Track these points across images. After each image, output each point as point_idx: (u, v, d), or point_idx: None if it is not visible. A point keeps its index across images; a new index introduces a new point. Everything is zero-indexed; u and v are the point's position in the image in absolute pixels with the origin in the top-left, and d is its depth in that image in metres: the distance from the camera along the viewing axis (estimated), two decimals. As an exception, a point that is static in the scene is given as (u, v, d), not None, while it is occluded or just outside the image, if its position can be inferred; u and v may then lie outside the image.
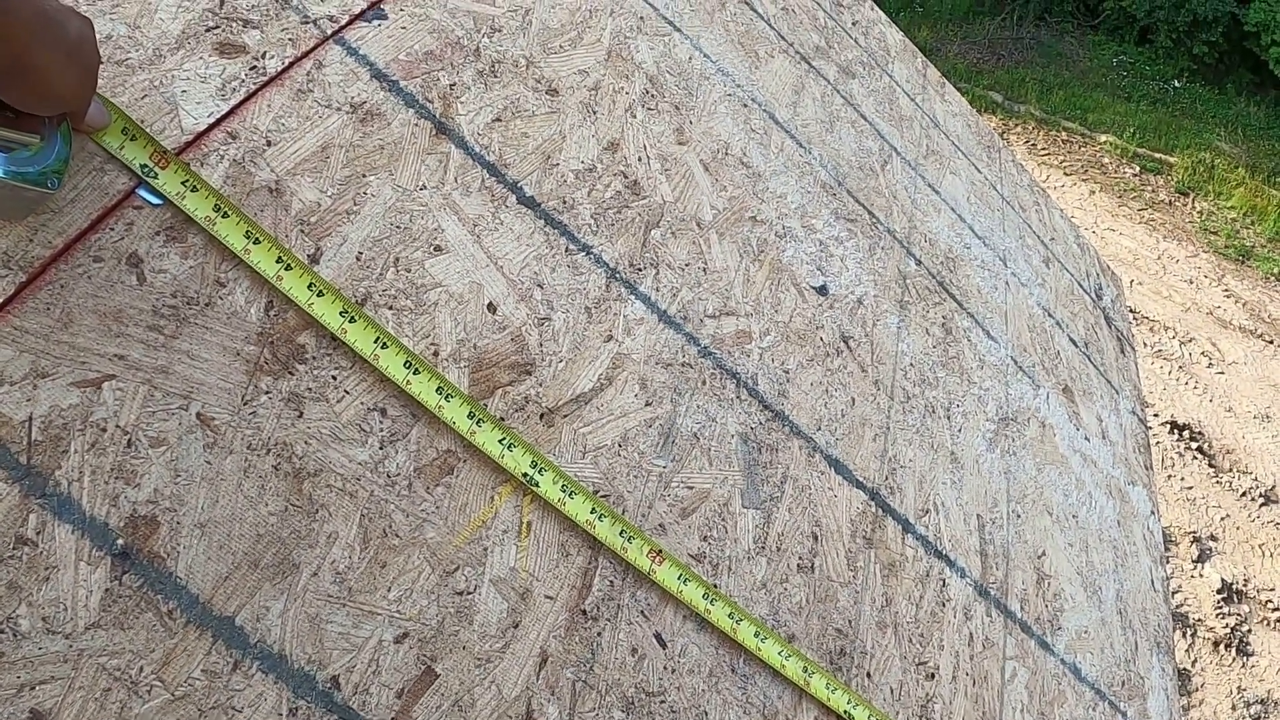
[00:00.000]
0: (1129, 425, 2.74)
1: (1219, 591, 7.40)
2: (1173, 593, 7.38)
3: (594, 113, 1.67)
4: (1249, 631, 7.23)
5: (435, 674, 1.10)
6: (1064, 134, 13.48)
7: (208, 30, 1.32)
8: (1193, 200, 12.73)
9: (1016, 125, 13.53)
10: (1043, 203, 3.08)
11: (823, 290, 1.85)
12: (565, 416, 1.34)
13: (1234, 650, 7.08)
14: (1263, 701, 6.78)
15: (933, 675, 1.63)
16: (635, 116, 1.73)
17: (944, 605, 1.71)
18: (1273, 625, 7.34)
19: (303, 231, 1.25)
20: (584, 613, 1.23)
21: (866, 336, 1.89)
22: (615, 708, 1.22)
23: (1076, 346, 2.71)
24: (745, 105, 1.99)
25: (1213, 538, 7.92)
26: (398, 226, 1.33)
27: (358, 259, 1.28)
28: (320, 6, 1.45)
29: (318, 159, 1.32)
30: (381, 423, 1.19)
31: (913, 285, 2.14)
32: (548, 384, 1.35)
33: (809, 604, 1.49)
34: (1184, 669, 6.84)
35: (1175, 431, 8.73)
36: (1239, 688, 6.81)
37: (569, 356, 1.39)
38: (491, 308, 1.36)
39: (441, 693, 1.10)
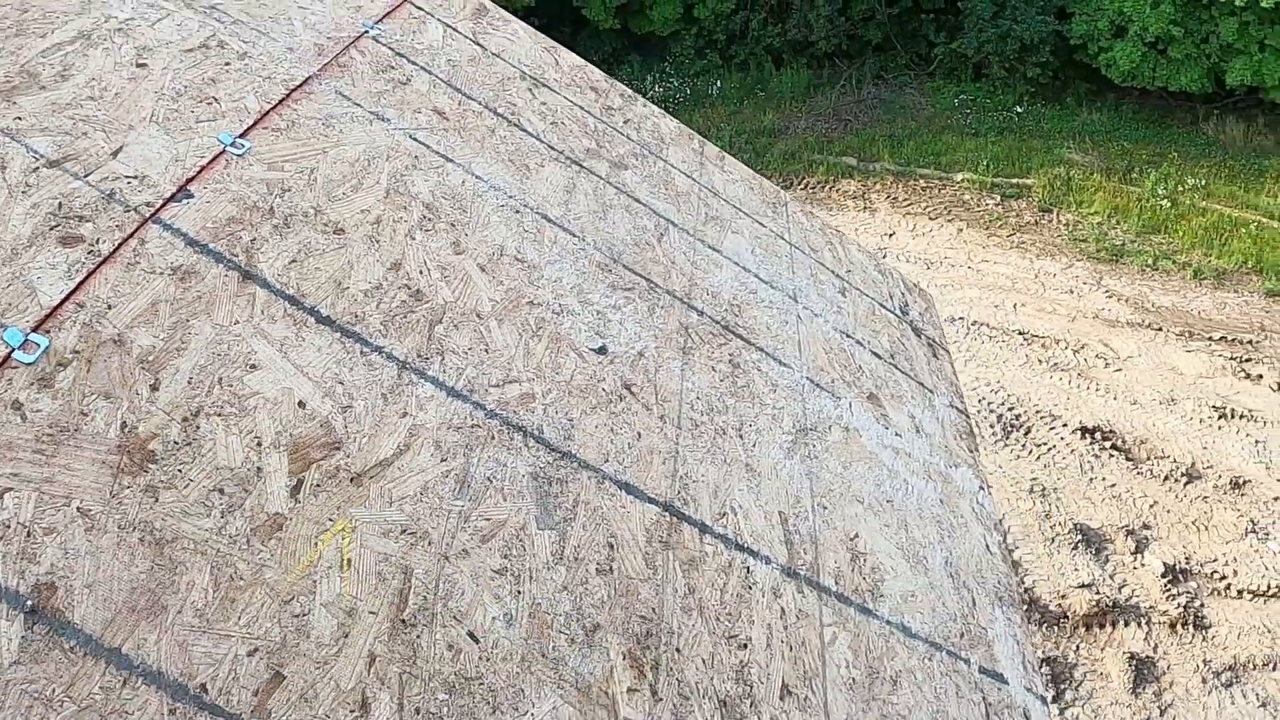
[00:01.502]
0: (947, 417, 3.24)
1: (1164, 576, 7.89)
2: (1119, 587, 7.85)
3: (377, 241, 2.17)
4: (1201, 606, 7.71)
5: (283, 676, 1.55)
6: (921, 181, 14.42)
7: (51, 229, 1.80)
8: (1057, 215, 13.64)
9: (875, 183, 14.45)
10: (836, 242, 3.62)
11: (602, 350, 2.34)
12: (372, 477, 1.81)
13: (1191, 627, 7.55)
14: (1230, 668, 7.21)
15: (745, 645, 2.08)
16: (414, 238, 2.23)
17: (750, 588, 2.17)
18: (1223, 594, 7.84)
19: (144, 369, 1.72)
20: (404, 621, 1.69)
21: (649, 381, 2.38)
22: (439, 691, 1.66)
23: (881, 359, 3.22)
24: (518, 212, 2.50)
25: (1146, 526, 8.45)
26: (218, 355, 1.81)
27: (189, 383, 1.75)
28: (139, 195, 1.94)
29: (149, 313, 1.80)
30: (220, 499, 1.65)
31: (695, 333, 2.64)
32: (354, 455, 1.82)
33: (611, 598, 1.94)
34: (1146, 656, 7.28)
35: (1087, 436, 9.32)
36: (1204, 660, 7.27)
37: (371, 432, 1.86)
38: (301, 404, 1.83)
39: (289, 689, 1.54)
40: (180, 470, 1.65)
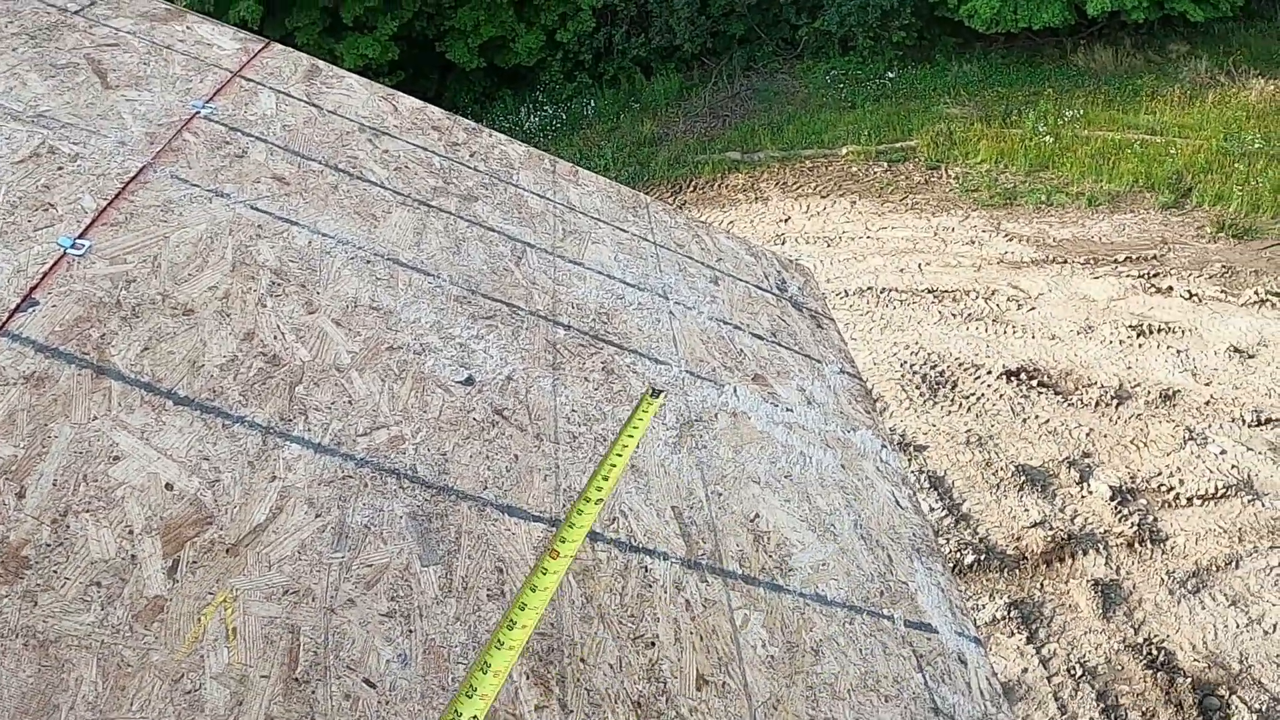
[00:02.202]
0: (839, 384, 3.32)
1: (1112, 499, 8.05)
2: (1071, 518, 7.99)
3: (227, 315, 2.21)
4: (1155, 521, 7.87)
5: None
6: (807, 162, 14.66)
7: (-115, 365, 1.82)
8: (945, 170, 13.90)
9: (762, 172, 14.68)
10: (703, 233, 3.69)
11: (469, 381, 2.39)
12: (248, 545, 1.84)
13: (1148, 543, 7.71)
14: (1194, 574, 7.36)
15: (653, 644, 2.13)
16: (265, 305, 2.27)
17: (650, 587, 2.22)
18: (1173, 505, 8.01)
19: (8, 479, 1.75)
20: (297, 680, 1.72)
21: (521, 403, 2.43)
22: (343, 739, 1.70)
23: (763, 339, 3.29)
24: (369, 262, 2.55)
25: (1086, 455, 8.61)
26: (80, 453, 1.83)
27: (54, 485, 1.77)
28: (-18, 313, 1.96)
29: (7, 424, 1.82)
30: (98, 592, 1.68)
31: (564, 348, 2.69)
32: (227, 526, 1.85)
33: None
34: (1112, 581, 7.42)
35: (1013, 379, 9.50)
36: (1167, 573, 7.42)
37: (241, 501, 1.89)
38: (169, 486, 1.86)
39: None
40: (56, 571, 1.67)
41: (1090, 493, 8.28)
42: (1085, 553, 7.66)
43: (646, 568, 2.25)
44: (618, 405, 2.62)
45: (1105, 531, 7.89)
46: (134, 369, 2.01)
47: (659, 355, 2.89)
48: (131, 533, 1.78)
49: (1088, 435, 8.82)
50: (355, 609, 1.86)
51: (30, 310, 2.02)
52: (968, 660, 2.54)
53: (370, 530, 1.98)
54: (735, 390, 2.95)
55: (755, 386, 3.03)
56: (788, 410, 3.00)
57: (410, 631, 1.88)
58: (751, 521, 2.55)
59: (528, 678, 1.92)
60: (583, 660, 2.01)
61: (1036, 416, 9.01)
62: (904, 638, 2.49)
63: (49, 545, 1.70)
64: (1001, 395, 9.34)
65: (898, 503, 2.93)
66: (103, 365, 1.99)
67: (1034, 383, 9.45)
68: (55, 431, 1.85)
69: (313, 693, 1.72)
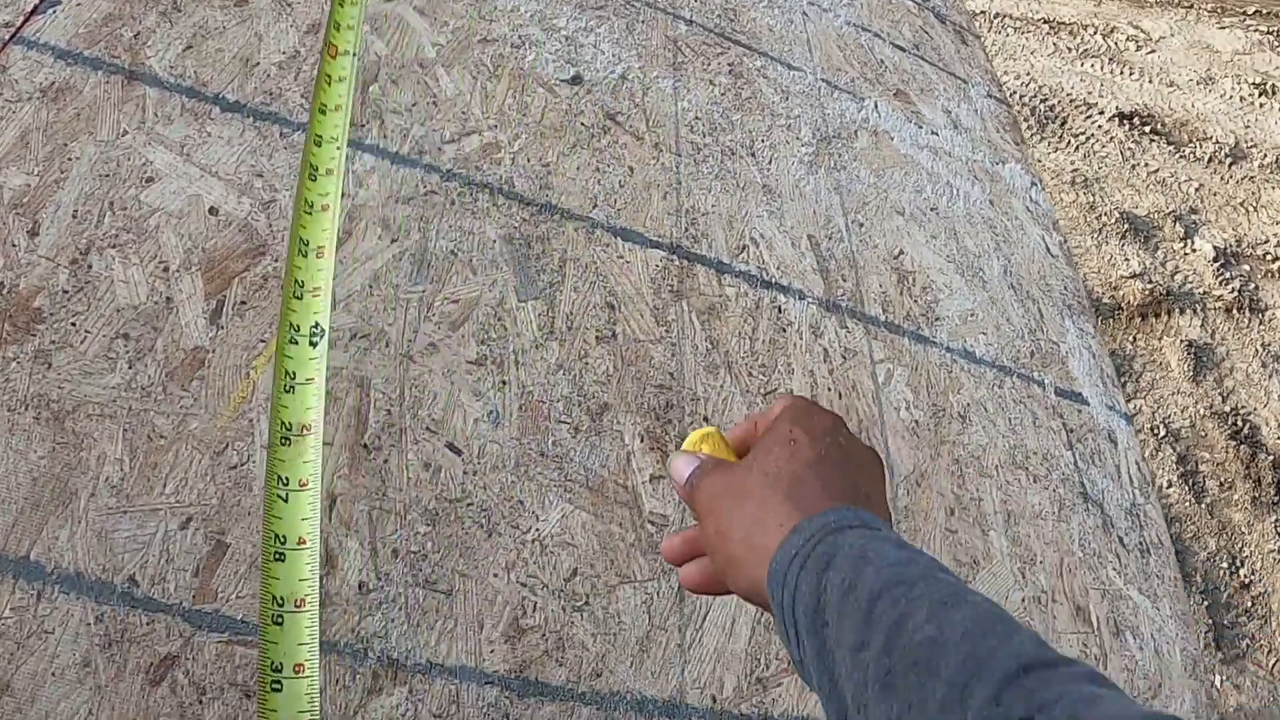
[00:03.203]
0: (986, 109, 2.73)
1: (1215, 260, 7.26)
2: (1171, 274, 7.27)
3: (289, 4, 1.72)
4: (1256, 289, 7.11)
5: (226, 545, 1.22)
6: None
7: None
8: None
9: None
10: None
11: (576, 80, 1.89)
12: (307, 285, 1.43)
13: (1246, 311, 6.98)
14: (1290, 350, 6.70)
15: (788, 389, 1.70)
16: (333, -10, 1.77)
17: (784, 331, 1.78)
18: (1277, 276, 7.22)
19: (19, 214, 1.34)
20: (365, 447, 1.34)
21: (636, 107, 1.93)
22: (418, 523, 1.32)
23: (904, 51, 2.70)
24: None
25: (1193, 211, 7.75)
26: (106, 175, 1.41)
27: (74, 216, 1.36)
28: None
29: (19, 148, 1.40)
30: (126, 346, 1.29)
31: (685, 45, 2.16)
32: (284, 256, 1.43)
33: (619, 370, 1.57)
34: (1205, 343, 6.77)
35: (1125, 122, 8.49)
36: (1263, 344, 6.74)
37: (298, 231, 1.46)
38: (213, 211, 1.44)
39: (236, 559, 1.21)
40: (74, 324, 1.29)
41: (1193, 250, 7.46)
42: (1182, 311, 6.94)
43: (780, 308, 1.80)
44: (747, 114, 2.10)
45: (1204, 293, 7.13)
46: (174, 71, 1.56)
47: (791, 60, 2.34)
48: (167, 270, 1.37)
49: (1197, 190, 7.90)
50: (438, 355, 1.45)
51: (51, 12, 1.56)
52: (1118, 440, 2.08)
53: (457, 258, 1.55)
54: (876, 106, 2.40)
55: (897, 103, 2.46)
56: (933, 133, 2.45)
57: (503, 383, 1.47)
58: (895, 259, 2.06)
59: (642, 440, 1.52)
60: (705, 419, 1.59)
61: (1146, 165, 8.08)
62: (1054, 408, 2.03)
63: (66, 292, 1.31)
64: (1112, 138, 8.38)
65: (1049, 250, 2.39)
66: (135, 69, 1.54)
67: (1147, 129, 8.44)
68: (76, 152, 1.43)
69: (385, 462, 1.34)
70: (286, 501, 0.96)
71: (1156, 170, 8.14)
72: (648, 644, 1.39)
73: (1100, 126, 8.53)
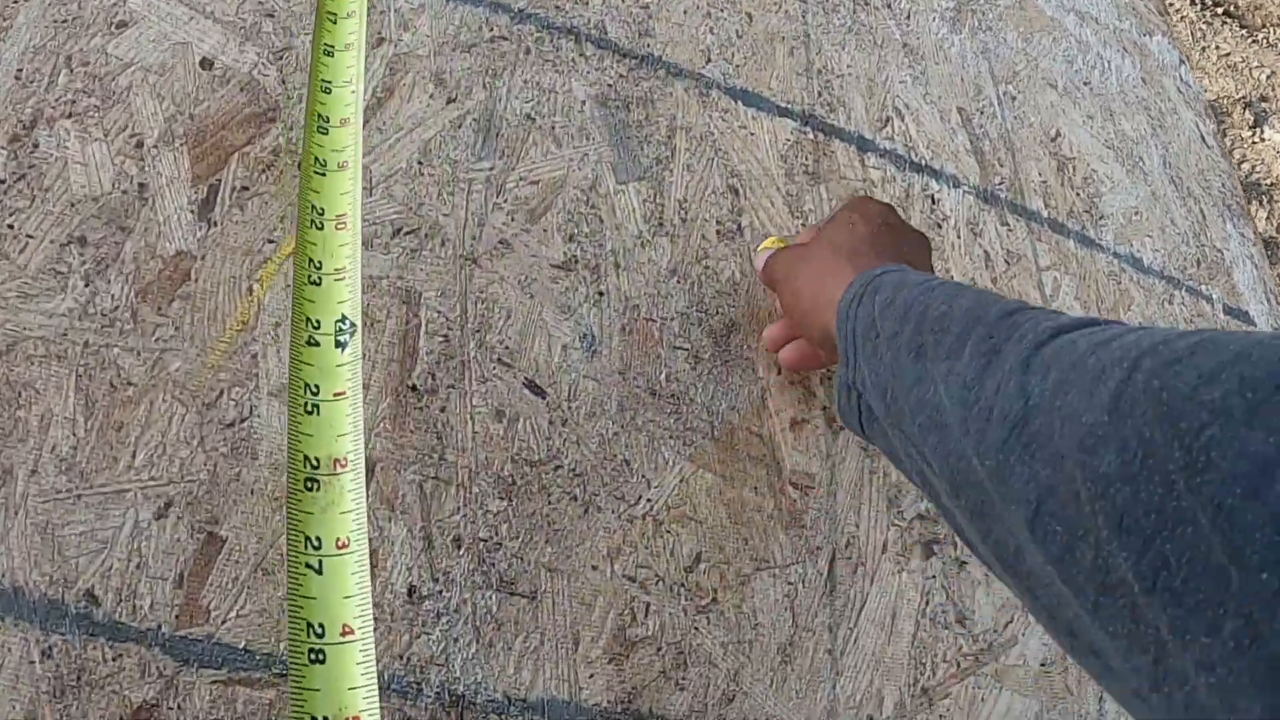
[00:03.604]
0: (1125, -36, 2.23)
1: None
2: (1238, 162, 6.68)
3: None
4: None
5: (220, 539, 0.82)
6: None
7: None
8: None
9: None
10: None
11: (679, -103, 1.42)
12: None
13: None
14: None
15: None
16: None
17: (940, 228, 1.35)
18: None
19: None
20: (414, 389, 0.93)
21: (754, -66, 1.46)
22: (490, 497, 0.92)
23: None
24: None
25: (1263, 99, 7.12)
26: (62, 21, 0.98)
27: (17, 78, 0.94)
28: None
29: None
30: (82, 256, 0.87)
31: None
32: (301, 123, 1.00)
33: (748, 275, 1.15)
34: (1270, 238, 6.24)
35: (1197, 1, 7.80)
36: None
37: (321, 82, 1.03)
38: (206, 64, 1.01)
39: (235, 560, 0.82)
40: (12, 226, 0.87)
41: (1263, 140, 6.84)
42: (1249, 201, 6.36)
43: (932, 198, 1.37)
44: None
45: (1272, 184, 6.55)
46: None
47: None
48: (141, 147, 0.95)
49: (1268, 79, 7.24)
50: (511, 256, 1.03)
51: None
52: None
53: (535, 124, 1.12)
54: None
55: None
56: (1076, -8, 1.95)
57: (600, 295, 1.05)
58: (1053, 141, 1.61)
59: (778, 371, 1.10)
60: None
61: (1217, 48, 7.40)
62: (1222, 328, 1.57)
63: (2, 181, 0.89)
64: (1183, 18, 7.69)
65: (1204, 139, 1.91)
66: None
67: (1220, 10, 7.74)
68: (23, -21, 0.98)
69: (441, 410, 0.93)
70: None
71: (1228, 54, 7.53)
72: (791, 653, 1.00)
73: (1171, 5, 7.90)
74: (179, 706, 0.77)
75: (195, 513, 0.82)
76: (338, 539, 0.68)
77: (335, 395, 0.77)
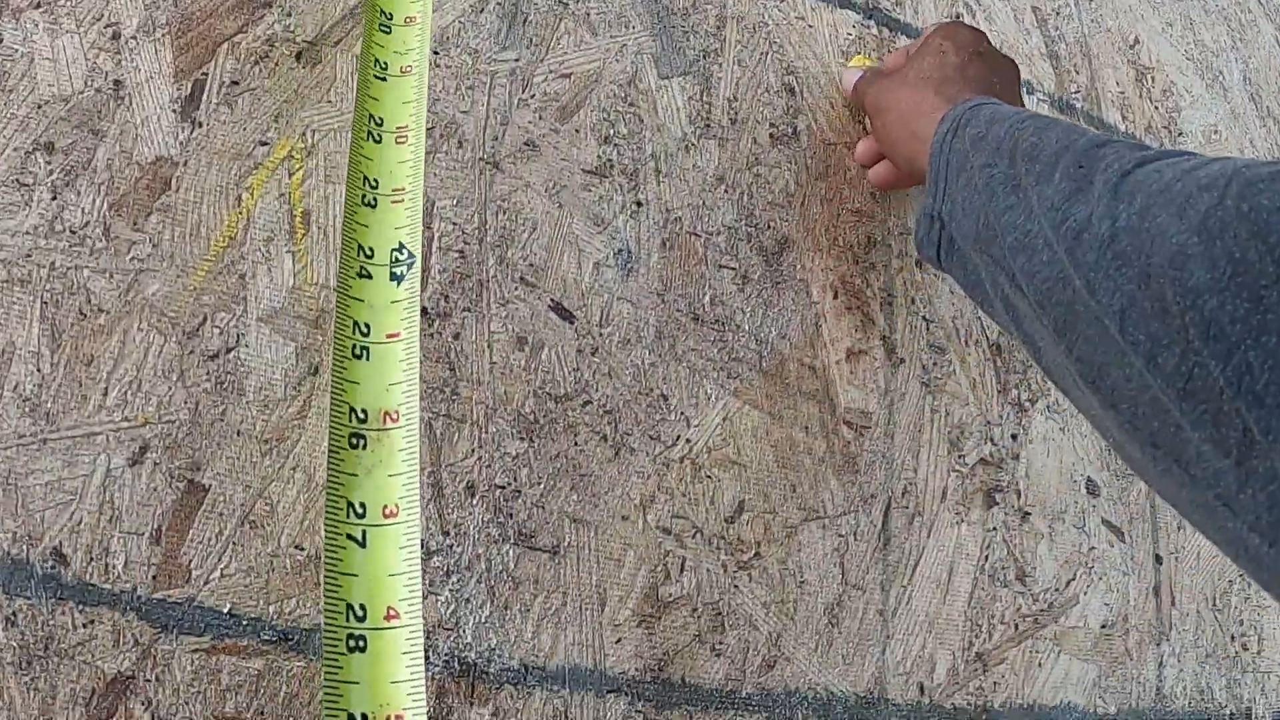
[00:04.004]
0: None
1: None
2: None
3: None
4: None
5: (203, 488, 0.70)
6: None
7: None
8: None
9: None
10: None
11: None
12: (337, 43, 0.85)
13: None
14: None
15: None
16: None
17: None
18: None
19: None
20: (424, 312, 0.79)
21: None
22: (509, 437, 0.79)
23: None
24: None
25: None
26: None
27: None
28: None
29: None
30: (49, 165, 0.74)
31: None
32: (301, 7, 0.85)
33: (803, 185, 1.00)
34: None
35: None
36: None
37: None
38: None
39: (220, 512, 0.70)
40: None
41: None
42: None
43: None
44: None
45: None
46: None
47: None
48: (117, 38, 0.80)
49: None
50: (538, 161, 0.89)
51: None
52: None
53: (566, 9, 0.96)
54: None
55: None
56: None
57: (636, 205, 0.91)
58: (1131, 48, 1.43)
59: (834, 294, 0.97)
60: (913, 301, 1.03)
61: None
62: None
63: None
64: None
65: None
66: None
67: None
68: None
69: (454, 338, 0.80)
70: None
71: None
72: (839, 614, 0.88)
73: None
74: (157, 678, 0.66)
75: (174, 458, 0.70)
76: (385, 506, 0.56)
77: (388, 337, 0.63)
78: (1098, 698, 1.00)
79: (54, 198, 0.73)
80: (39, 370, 0.69)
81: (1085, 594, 1.02)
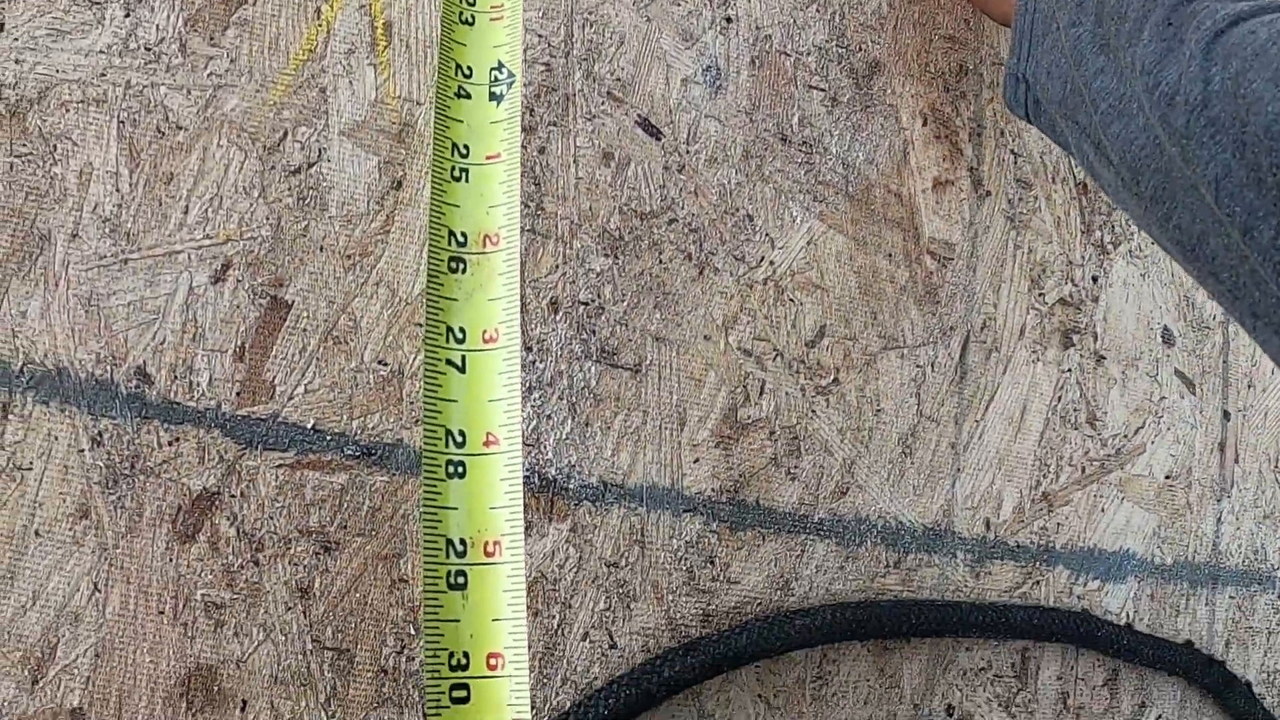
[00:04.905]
0: None
1: None
2: None
3: None
4: None
5: (286, 304, 0.67)
6: None
7: None
8: None
9: None
10: None
11: None
12: None
13: None
14: None
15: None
16: None
17: None
18: None
19: None
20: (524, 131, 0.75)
21: None
22: (593, 254, 0.76)
23: None
24: None
25: None
26: None
27: None
28: None
29: None
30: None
31: None
32: None
33: (895, 8, 0.93)
34: None
35: None
36: None
37: None
38: None
39: (303, 328, 0.67)
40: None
41: None
42: None
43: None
44: None
45: None
46: None
47: None
48: None
49: None
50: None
51: None
52: None
53: None
54: None
55: None
56: None
57: (726, 21, 0.86)
58: None
59: (924, 122, 0.92)
60: (1001, 133, 0.97)
61: None
62: None
63: None
64: None
65: None
66: None
67: None
68: None
69: (539, 152, 0.76)
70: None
71: None
72: (912, 444, 0.86)
73: None
74: (241, 494, 0.64)
75: (257, 275, 0.67)
76: (484, 331, 0.53)
77: (488, 158, 0.59)
78: (1155, 548, 0.98)
79: (127, 15, 0.68)
80: (118, 190, 0.65)
81: (1152, 443, 0.99)
